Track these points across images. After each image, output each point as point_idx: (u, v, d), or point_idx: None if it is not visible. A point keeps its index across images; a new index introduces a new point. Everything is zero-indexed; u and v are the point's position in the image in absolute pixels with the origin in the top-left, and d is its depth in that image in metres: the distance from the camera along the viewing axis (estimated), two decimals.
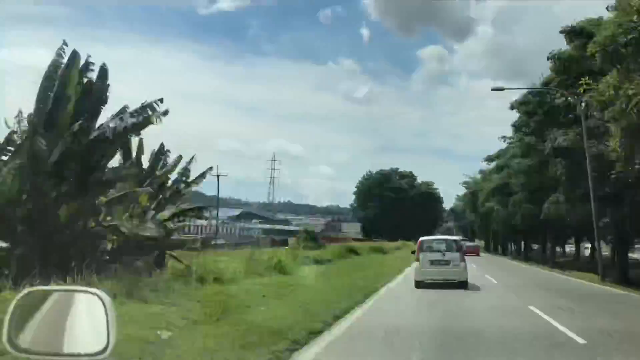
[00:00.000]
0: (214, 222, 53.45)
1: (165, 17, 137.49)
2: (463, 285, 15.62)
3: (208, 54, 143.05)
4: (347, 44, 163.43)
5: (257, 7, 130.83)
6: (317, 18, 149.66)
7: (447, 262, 15.97)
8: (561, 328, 8.56)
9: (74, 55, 10.17)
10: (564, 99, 22.99)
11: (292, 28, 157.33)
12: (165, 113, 10.74)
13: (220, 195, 58.65)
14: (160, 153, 13.92)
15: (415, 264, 16.67)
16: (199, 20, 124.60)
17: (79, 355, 1.88)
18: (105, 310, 1.92)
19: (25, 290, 1.99)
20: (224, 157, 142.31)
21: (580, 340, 7.50)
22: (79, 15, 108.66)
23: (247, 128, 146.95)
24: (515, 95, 33.42)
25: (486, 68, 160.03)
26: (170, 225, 13.52)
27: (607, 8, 17.33)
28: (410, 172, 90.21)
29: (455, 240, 17.96)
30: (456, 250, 16.33)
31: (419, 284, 15.81)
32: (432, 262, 15.96)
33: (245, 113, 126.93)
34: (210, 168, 15.86)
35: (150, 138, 13.25)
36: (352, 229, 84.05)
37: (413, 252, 17.64)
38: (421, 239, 17.45)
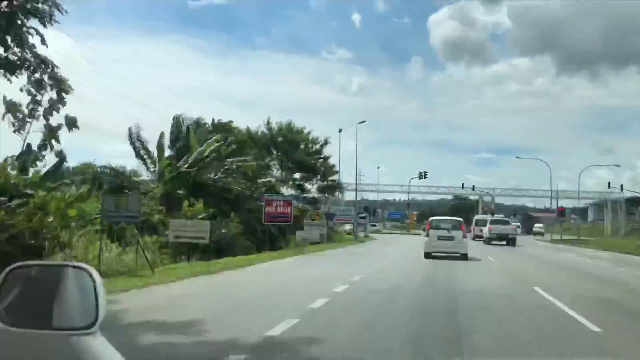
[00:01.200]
0: None
1: (157, 12, 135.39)
2: (464, 257, 19.68)
3: (201, 47, 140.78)
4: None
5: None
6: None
7: (451, 238, 20.18)
8: None
9: None
10: None
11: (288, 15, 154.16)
12: None
13: None
14: None
15: (425, 239, 20.79)
16: (190, 14, 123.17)
17: (68, 329, 1.88)
18: (94, 285, 1.92)
19: (14, 265, 1.98)
20: None
21: None
22: (70, 11, 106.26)
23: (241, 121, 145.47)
24: None
25: None
26: None
27: None
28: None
29: (459, 221, 21.74)
30: (459, 229, 20.64)
31: (428, 255, 19.76)
32: (440, 238, 20.23)
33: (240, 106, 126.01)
34: None
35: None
36: None
37: (424, 230, 23.78)
38: (431, 218, 22.72)
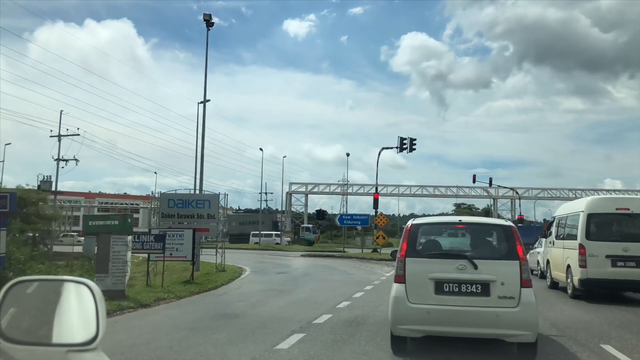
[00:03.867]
0: None
1: (148, 30, 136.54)
2: (529, 353, 6.25)
3: (190, 62, 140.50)
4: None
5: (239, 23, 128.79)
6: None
7: (481, 287, 6.17)
8: None
9: None
10: None
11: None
12: None
13: None
14: None
15: (395, 289, 6.38)
16: (181, 32, 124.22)
17: (68, 345, 1.86)
18: (95, 300, 1.91)
19: (14, 280, 1.97)
20: (212, 168, 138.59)
21: None
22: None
23: (232, 137, 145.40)
24: None
25: None
26: None
27: None
28: None
29: (504, 228, 6.65)
30: (508, 254, 6.33)
31: (399, 345, 6.58)
32: (443, 287, 6.22)
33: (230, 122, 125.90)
34: None
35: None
36: None
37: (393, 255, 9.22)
38: (414, 222, 6.82)
